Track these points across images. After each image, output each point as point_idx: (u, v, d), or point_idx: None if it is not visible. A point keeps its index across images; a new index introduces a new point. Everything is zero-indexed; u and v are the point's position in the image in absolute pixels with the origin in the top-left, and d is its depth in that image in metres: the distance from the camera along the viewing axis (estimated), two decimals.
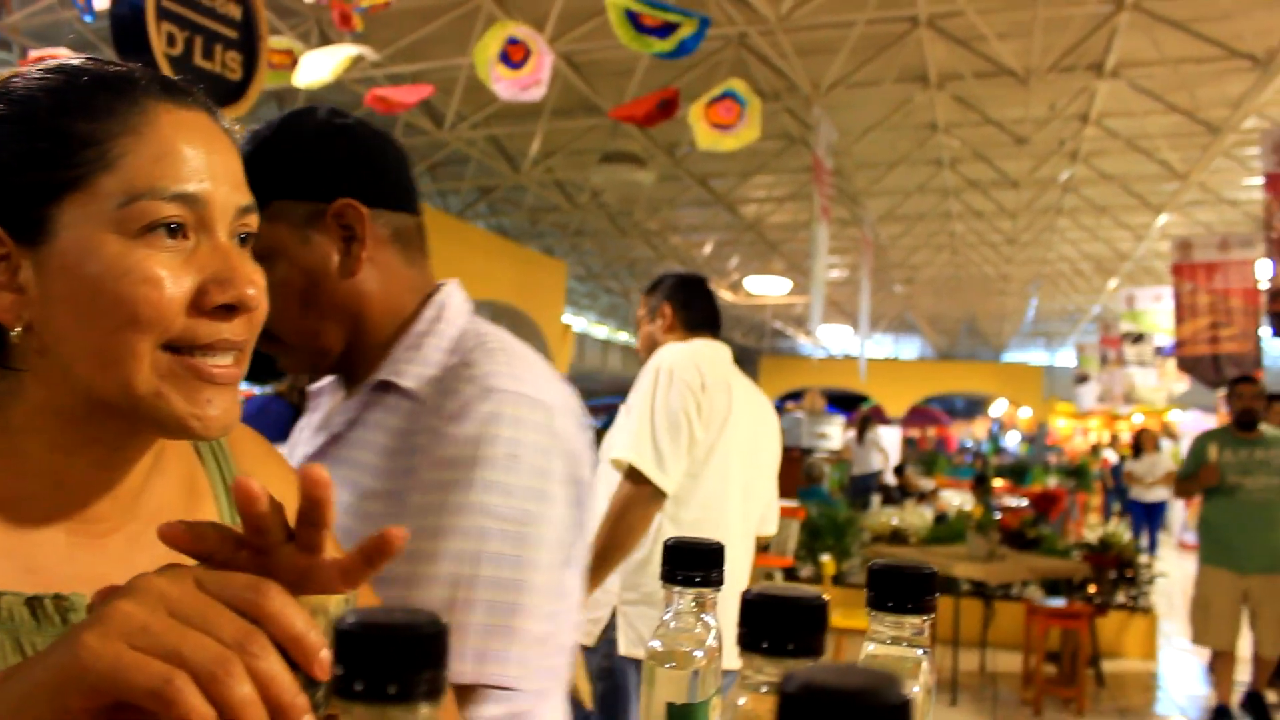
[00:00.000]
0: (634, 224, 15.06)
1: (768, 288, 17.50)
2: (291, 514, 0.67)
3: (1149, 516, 14.36)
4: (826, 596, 0.51)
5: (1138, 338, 16.63)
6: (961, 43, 8.47)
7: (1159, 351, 16.38)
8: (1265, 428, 6.13)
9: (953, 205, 13.52)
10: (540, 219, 15.16)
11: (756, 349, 27.28)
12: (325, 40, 7.89)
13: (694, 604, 0.69)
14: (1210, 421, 19.40)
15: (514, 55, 5.54)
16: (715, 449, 2.91)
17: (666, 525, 2.86)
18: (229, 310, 0.81)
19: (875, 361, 27.02)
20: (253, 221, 0.86)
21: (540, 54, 5.57)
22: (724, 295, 18.89)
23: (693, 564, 0.69)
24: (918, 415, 28.54)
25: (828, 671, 0.31)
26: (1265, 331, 9.53)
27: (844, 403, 24.64)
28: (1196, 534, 6.49)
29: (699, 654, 0.66)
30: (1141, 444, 14.76)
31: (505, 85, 5.41)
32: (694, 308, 3.18)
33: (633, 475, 2.79)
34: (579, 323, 23.76)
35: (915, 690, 0.59)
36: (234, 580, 0.63)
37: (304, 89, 6.00)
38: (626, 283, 19.73)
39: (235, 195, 0.84)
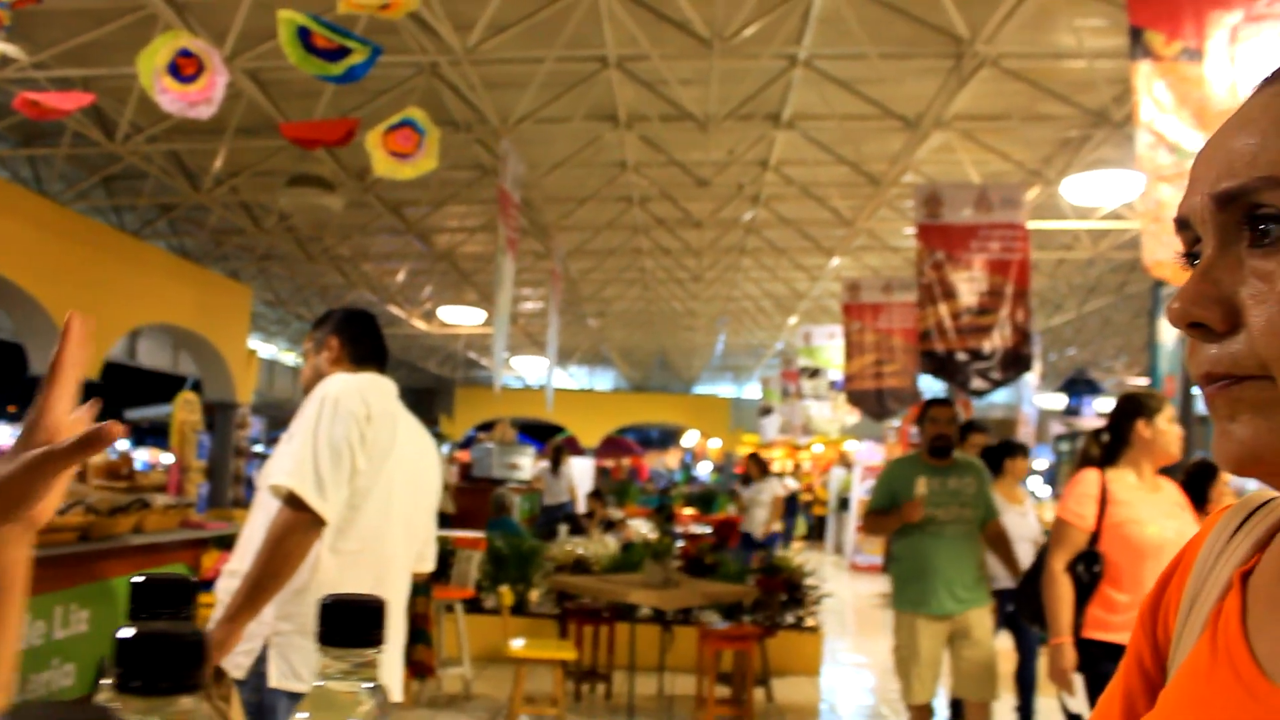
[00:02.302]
0: (324, 250, 14.66)
1: (461, 318, 17.45)
2: None
3: (757, 549, 12.51)
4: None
5: (814, 372, 17.69)
6: (647, 85, 8.76)
7: (832, 385, 17.45)
8: (958, 454, 5.48)
9: (642, 242, 13.90)
10: (225, 241, 14.49)
11: (450, 379, 27.08)
12: None
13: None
14: (881, 452, 20.81)
15: (185, 68, 5.27)
16: (378, 481, 2.90)
17: (326, 556, 2.80)
18: None
19: (570, 392, 27.44)
20: None
21: (214, 71, 5.32)
22: (417, 325, 18.67)
23: None
24: (611, 445, 29.11)
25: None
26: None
27: (538, 433, 24.84)
28: (888, 574, 5.79)
29: None
30: (749, 473, 14.00)
31: (171, 98, 5.14)
32: (362, 342, 3.18)
33: (292, 501, 2.72)
34: (268, 349, 22.92)
35: None
36: None
37: None
38: (317, 310, 19.14)
39: None
